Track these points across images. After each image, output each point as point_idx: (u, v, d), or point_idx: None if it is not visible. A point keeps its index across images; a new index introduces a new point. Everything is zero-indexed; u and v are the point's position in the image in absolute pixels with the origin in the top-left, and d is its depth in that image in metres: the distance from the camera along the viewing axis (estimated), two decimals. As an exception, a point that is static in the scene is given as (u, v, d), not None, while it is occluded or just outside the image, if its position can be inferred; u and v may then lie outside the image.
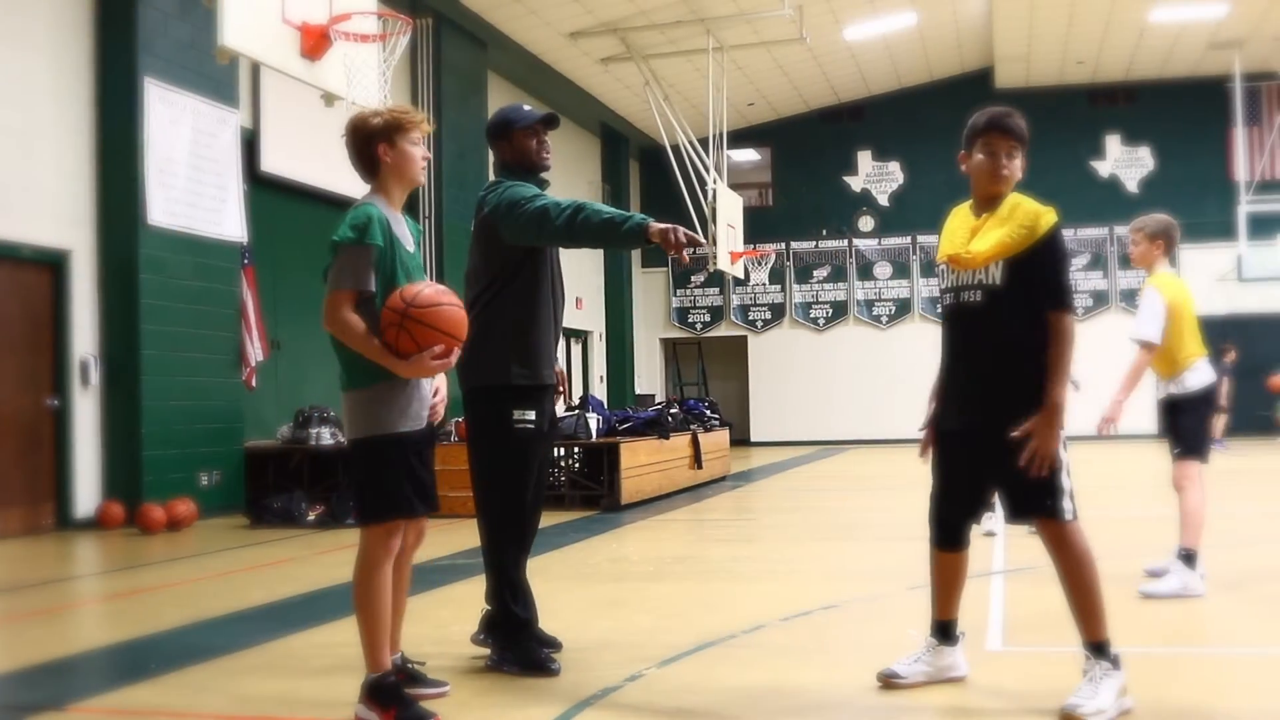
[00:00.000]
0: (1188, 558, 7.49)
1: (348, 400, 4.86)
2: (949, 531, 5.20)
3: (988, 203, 5.10)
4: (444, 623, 6.86)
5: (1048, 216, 4.94)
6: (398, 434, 4.81)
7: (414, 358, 4.68)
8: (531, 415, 5.61)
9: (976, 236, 5.03)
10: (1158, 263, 7.79)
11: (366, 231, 4.75)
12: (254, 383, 15.10)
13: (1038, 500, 4.90)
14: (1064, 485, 4.89)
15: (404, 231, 4.96)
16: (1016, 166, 5.09)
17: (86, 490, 13.16)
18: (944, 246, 5.19)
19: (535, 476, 5.71)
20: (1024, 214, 4.95)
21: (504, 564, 5.69)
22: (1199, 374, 7.70)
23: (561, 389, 6.09)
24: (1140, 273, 8.05)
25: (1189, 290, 7.89)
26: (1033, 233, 4.90)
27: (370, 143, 4.92)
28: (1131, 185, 29.55)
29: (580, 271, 27.56)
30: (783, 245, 30.66)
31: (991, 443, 4.92)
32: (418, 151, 4.99)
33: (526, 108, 5.93)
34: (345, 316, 4.69)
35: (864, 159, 30.94)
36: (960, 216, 5.21)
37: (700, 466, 17.02)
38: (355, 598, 4.80)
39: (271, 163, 15.93)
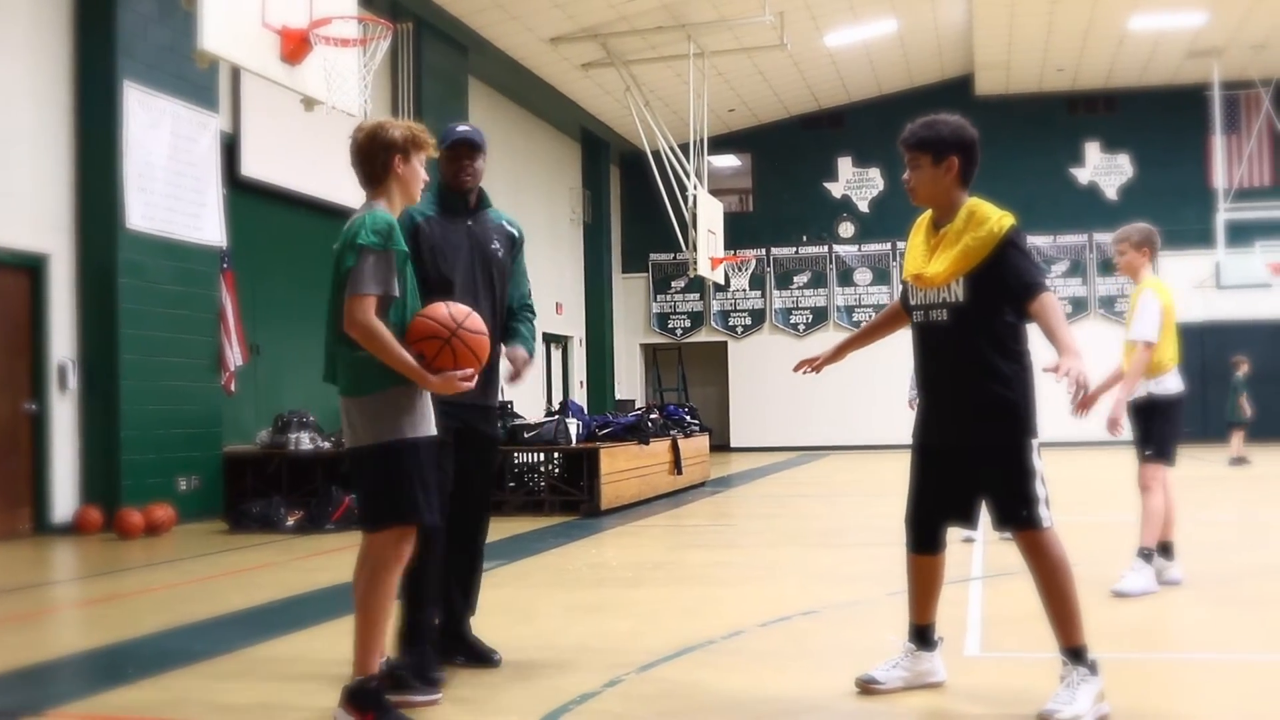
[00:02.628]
0: (1147, 556, 7.64)
1: (357, 405, 4.77)
2: (924, 535, 5.21)
3: (942, 214, 5.11)
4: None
5: (1001, 222, 4.91)
6: (416, 439, 4.78)
7: (445, 375, 4.68)
8: None
9: (935, 255, 5.04)
10: (1144, 270, 7.90)
11: (390, 237, 4.72)
12: (233, 387, 15.06)
13: (1013, 510, 4.91)
14: (1038, 494, 4.89)
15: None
16: (920, 175, 5.08)
17: (64, 495, 13.10)
18: (907, 264, 5.22)
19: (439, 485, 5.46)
20: (977, 224, 4.94)
21: (410, 582, 5.47)
22: (1176, 379, 7.88)
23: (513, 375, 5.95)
24: (1120, 279, 8.17)
25: (1174, 298, 8.01)
26: (987, 243, 4.88)
27: (387, 152, 4.89)
28: (1111, 193, 29.68)
29: (560, 277, 27.58)
30: (763, 251, 30.70)
31: (969, 459, 4.95)
32: (423, 173, 5.02)
33: (461, 128, 5.98)
34: (372, 321, 4.64)
35: (844, 165, 31.01)
36: (921, 232, 5.21)
37: (680, 472, 17.03)
38: (361, 601, 4.74)
39: (251, 167, 15.90)
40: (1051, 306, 4.84)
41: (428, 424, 4.85)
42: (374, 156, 4.91)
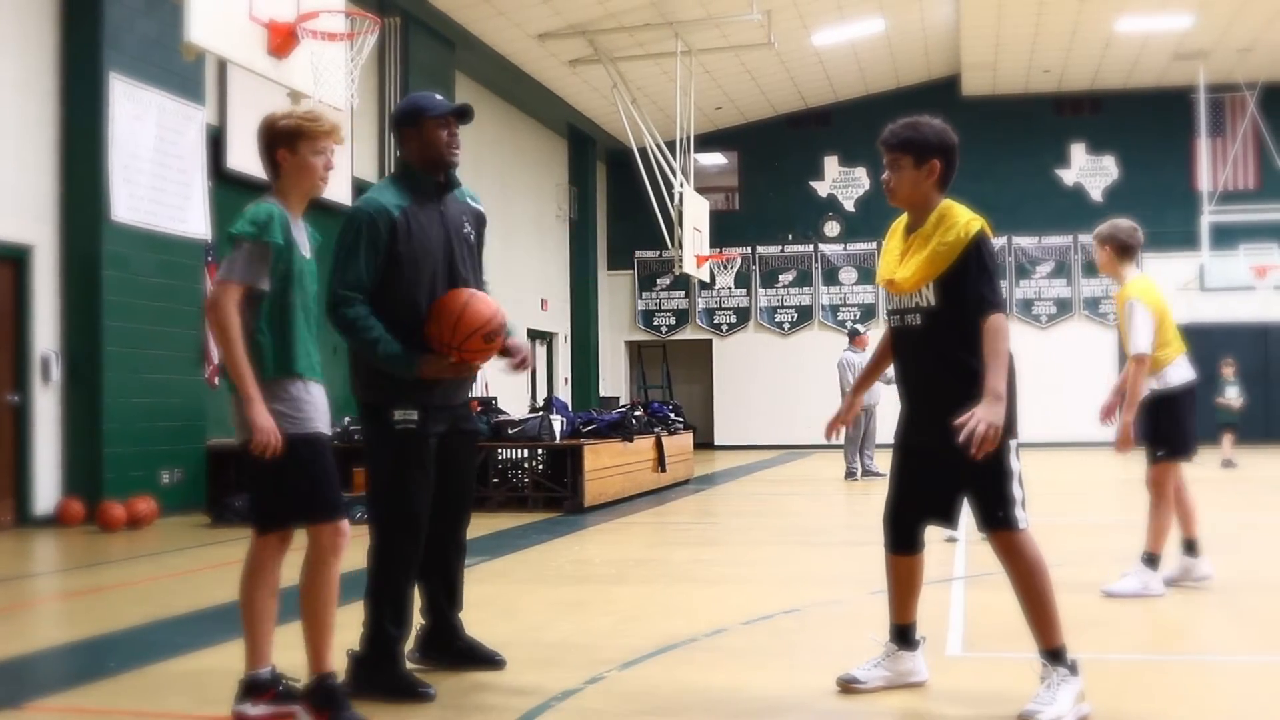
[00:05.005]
0: (1150, 560, 7.60)
1: (236, 398, 4.69)
2: (902, 534, 5.22)
3: (918, 217, 5.09)
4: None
5: (968, 227, 4.90)
6: (291, 435, 4.71)
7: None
8: (414, 414, 5.33)
9: (904, 260, 5.04)
10: (1125, 269, 7.83)
11: (266, 229, 4.67)
12: (216, 381, 15.03)
13: (989, 511, 4.91)
14: (1015, 495, 4.89)
15: (302, 237, 4.86)
16: (901, 177, 5.06)
17: (46, 487, 13.07)
18: (881, 269, 5.23)
19: (427, 482, 5.40)
20: (945, 229, 4.93)
21: (391, 578, 5.37)
22: (1180, 369, 7.74)
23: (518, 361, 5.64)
24: (1105, 280, 8.14)
25: (1161, 290, 7.91)
26: (953, 249, 4.88)
27: (272, 145, 4.83)
28: (1096, 194, 29.73)
29: (546, 273, 27.57)
30: (749, 249, 30.69)
31: (948, 460, 4.94)
32: (319, 162, 4.85)
33: (439, 97, 5.65)
34: (230, 311, 4.61)
35: (830, 164, 31.01)
36: (897, 235, 5.21)
37: (664, 469, 17.03)
38: (242, 605, 4.77)
39: (237, 160, 15.84)
40: (995, 333, 4.80)
41: (311, 420, 4.76)
42: (262, 150, 4.88)
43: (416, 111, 5.51)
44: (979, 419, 4.66)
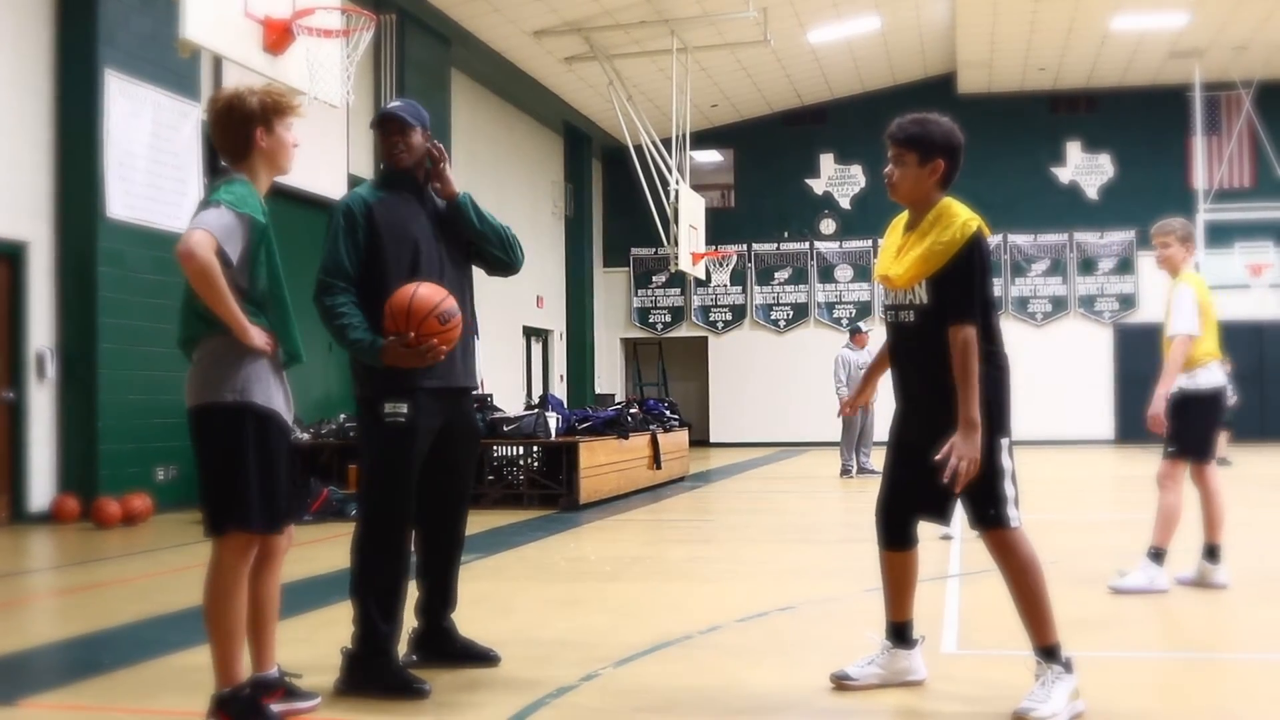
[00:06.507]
0: (1156, 555, 7.62)
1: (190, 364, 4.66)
2: (895, 530, 5.22)
3: (917, 214, 5.09)
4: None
5: (965, 228, 4.88)
6: (242, 404, 4.70)
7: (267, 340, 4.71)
8: (404, 408, 5.34)
9: (900, 256, 5.04)
10: (1184, 265, 7.92)
11: (246, 201, 4.57)
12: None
13: (981, 509, 4.92)
14: (1007, 493, 4.89)
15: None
16: (904, 173, 5.05)
17: (41, 484, 13.06)
18: (878, 264, 5.24)
19: (412, 478, 5.40)
20: (941, 227, 4.92)
21: (378, 573, 5.37)
22: (1212, 373, 7.82)
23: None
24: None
25: (1209, 293, 8.01)
26: (949, 248, 4.86)
27: (247, 124, 4.67)
28: (1091, 192, 29.72)
29: (542, 270, 27.54)
30: (744, 247, 30.68)
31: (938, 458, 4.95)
32: (290, 138, 4.78)
33: (390, 105, 5.75)
34: (211, 256, 4.40)
35: (826, 162, 31.01)
36: (896, 231, 5.21)
37: (659, 467, 17.03)
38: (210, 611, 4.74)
39: (232, 157, 15.83)
40: (964, 350, 4.76)
41: (265, 393, 4.72)
42: (233, 130, 4.71)
43: (374, 121, 5.73)
44: (957, 454, 4.66)
